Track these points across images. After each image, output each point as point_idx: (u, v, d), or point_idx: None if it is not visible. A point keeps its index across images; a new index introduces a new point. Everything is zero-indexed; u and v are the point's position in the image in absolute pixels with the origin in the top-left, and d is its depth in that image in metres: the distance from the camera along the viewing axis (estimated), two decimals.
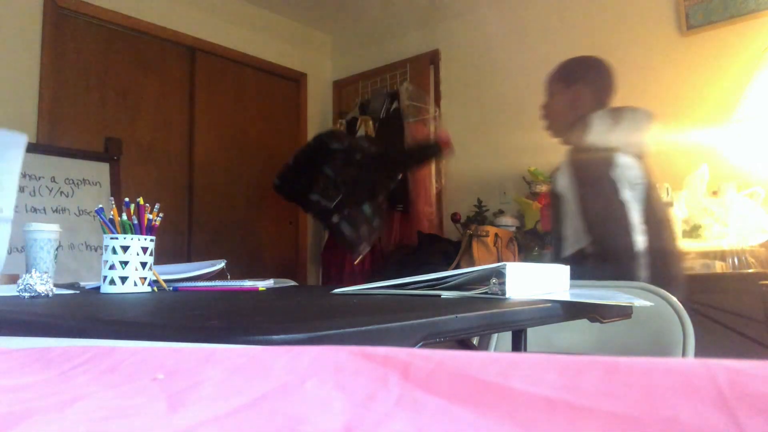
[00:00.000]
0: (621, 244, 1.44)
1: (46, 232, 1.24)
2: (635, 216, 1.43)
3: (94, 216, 2.47)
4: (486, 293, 0.72)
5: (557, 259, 1.62)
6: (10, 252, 2.25)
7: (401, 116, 3.38)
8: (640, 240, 1.42)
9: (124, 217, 0.98)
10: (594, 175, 1.51)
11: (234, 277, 1.20)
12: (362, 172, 2.68)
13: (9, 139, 1.21)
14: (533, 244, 2.66)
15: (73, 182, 2.54)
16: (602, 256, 1.47)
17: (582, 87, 1.72)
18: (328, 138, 2.75)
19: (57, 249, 1.27)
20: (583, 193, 1.51)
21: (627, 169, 1.47)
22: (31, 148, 2.49)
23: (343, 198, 2.62)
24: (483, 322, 0.56)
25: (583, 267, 1.44)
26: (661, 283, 1.30)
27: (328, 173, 2.64)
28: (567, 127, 1.70)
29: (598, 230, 1.48)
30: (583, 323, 0.83)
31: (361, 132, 3.47)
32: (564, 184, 1.57)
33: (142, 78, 3.08)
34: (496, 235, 2.60)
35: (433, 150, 2.91)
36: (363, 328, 0.44)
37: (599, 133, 1.56)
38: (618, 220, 1.44)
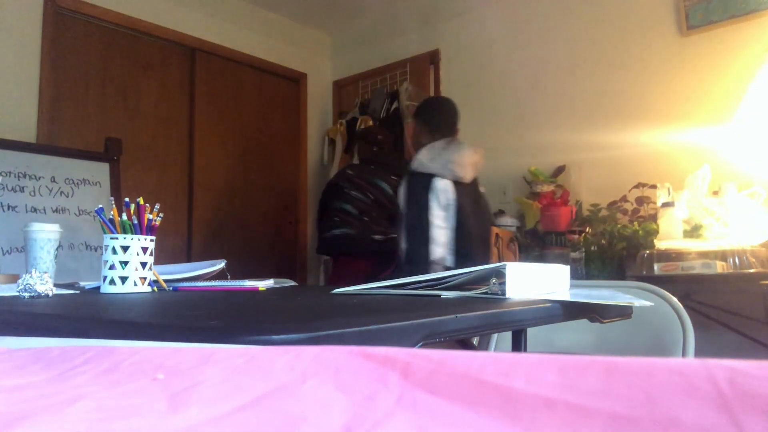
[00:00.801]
0: (420, 254, 1.85)
1: (46, 232, 1.24)
2: (437, 232, 1.85)
3: (94, 216, 2.47)
4: (486, 293, 0.72)
5: (397, 266, 1.97)
6: (10, 252, 2.26)
7: (401, 116, 3.38)
8: (438, 251, 1.84)
9: (124, 217, 0.98)
10: (415, 195, 1.91)
11: (234, 277, 1.20)
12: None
13: None
14: (534, 244, 2.66)
15: (73, 182, 2.54)
16: (410, 262, 1.88)
17: (419, 122, 2.14)
18: (342, 180, 2.73)
19: (57, 249, 1.27)
20: (406, 210, 1.91)
21: (441, 192, 1.87)
22: (31, 148, 2.49)
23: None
24: (483, 322, 0.56)
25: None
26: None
27: (348, 209, 2.67)
28: (414, 152, 2.06)
29: (407, 241, 1.89)
30: (583, 323, 0.83)
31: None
32: (400, 200, 1.96)
33: (142, 78, 3.08)
34: (497, 235, 2.60)
35: None
36: (363, 328, 0.44)
37: (425, 160, 1.93)
38: (420, 235, 1.85)
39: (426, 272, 1.69)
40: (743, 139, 2.29)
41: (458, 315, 0.52)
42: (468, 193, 1.92)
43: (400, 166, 3.03)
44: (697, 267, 1.92)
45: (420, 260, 1.85)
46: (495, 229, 2.64)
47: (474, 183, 2.01)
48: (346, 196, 2.63)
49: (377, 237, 2.61)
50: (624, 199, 2.50)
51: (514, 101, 3.12)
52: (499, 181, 3.10)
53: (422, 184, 1.89)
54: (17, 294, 0.83)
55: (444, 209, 1.86)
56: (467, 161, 1.92)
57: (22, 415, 0.23)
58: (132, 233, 0.98)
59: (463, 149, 1.96)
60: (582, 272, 2.28)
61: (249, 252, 3.45)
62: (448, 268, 1.87)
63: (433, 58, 3.49)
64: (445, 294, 0.73)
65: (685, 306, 1.17)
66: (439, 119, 2.11)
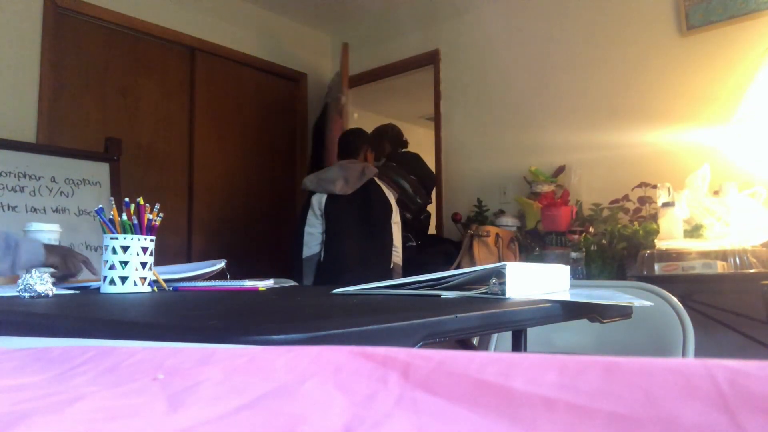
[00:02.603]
0: (296, 253, 2.50)
1: (46, 232, 1.24)
2: (308, 237, 2.47)
3: (94, 216, 2.47)
4: (486, 293, 0.72)
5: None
6: None
7: (328, 110, 3.39)
8: (306, 251, 2.46)
9: (124, 217, 0.98)
10: (302, 208, 2.55)
11: (234, 277, 1.20)
12: None
13: None
14: (534, 243, 2.65)
15: (73, 182, 2.54)
16: (292, 259, 2.54)
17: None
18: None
19: None
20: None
21: (316, 204, 2.46)
22: (31, 148, 2.49)
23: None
24: (483, 322, 0.56)
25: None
26: (331, 278, 2.36)
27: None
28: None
29: (294, 243, 2.55)
30: (583, 323, 0.83)
31: None
32: None
33: (142, 78, 3.08)
34: (498, 235, 2.60)
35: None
36: (363, 328, 0.44)
37: (308, 182, 2.51)
38: (298, 239, 2.49)
39: (301, 268, 2.47)
40: (743, 138, 2.29)
41: (458, 315, 0.52)
42: (346, 202, 2.44)
43: (419, 166, 3.04)
44: (698, 267, 1.92)
45: (295, 257, 2.49)
46: (495, 229, 2.64)
47: (363, 192, 2.46)
48: None
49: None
50: (626, 198, 2.50)
51: (514, 101, 3.12)
52: (499, 181, 3.10)
53: (306, 200, 2.53)
54: (17, 294, 0.83)
55: (318, 218, 2.46)
56: (333, 177, 2.44)
57: (22, 415, 0.23)
58: (132, 233, 0.98)
59: (330, 169, 2.53)
60: (582, 272, 2.28)
61: (249, 252, 3.45)
62: (319, 262, 2.45)
63: (433, 58, 3.49)
64: (445, 294, 0.73)
65: (685, 306, 1.17)
66: (340, 151, 2.73)
